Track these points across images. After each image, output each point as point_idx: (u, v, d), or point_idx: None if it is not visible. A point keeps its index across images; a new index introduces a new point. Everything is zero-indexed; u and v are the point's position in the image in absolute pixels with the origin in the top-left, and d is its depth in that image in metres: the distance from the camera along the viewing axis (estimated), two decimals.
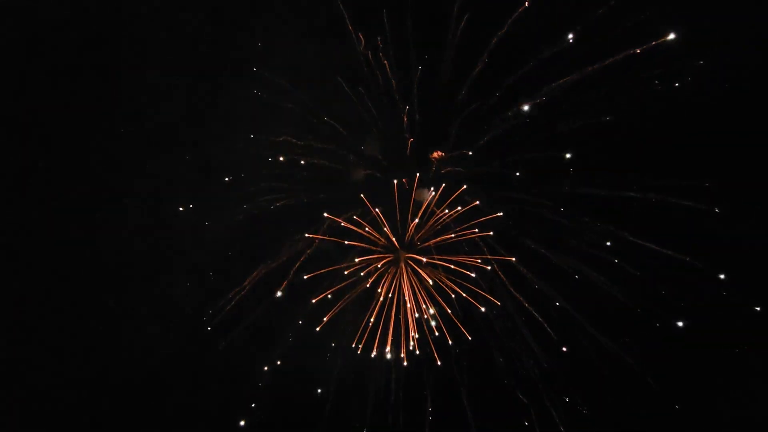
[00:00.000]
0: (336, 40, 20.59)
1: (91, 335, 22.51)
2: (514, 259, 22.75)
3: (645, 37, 16.76)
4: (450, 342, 23.46)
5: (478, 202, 22.00)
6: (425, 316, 23.46)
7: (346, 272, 23.34)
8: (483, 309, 22.79)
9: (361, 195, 22.50)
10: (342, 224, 22.92)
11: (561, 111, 19.20)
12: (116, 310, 22.63)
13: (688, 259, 18.45)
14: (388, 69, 20.90)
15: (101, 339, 22.64)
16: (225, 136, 22.17)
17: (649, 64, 17.28)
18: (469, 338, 23.29)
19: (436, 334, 23.39)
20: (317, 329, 23.80)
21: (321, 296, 23.28)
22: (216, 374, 24.51)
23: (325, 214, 22.56)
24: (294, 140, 21.88)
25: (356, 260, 23.20)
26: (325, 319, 23.68)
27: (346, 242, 23.56)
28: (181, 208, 22.67)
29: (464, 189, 22.22)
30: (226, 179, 22.55)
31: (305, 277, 23.11)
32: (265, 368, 23.83)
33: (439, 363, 23.65)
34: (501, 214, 21.69)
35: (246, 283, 22.90)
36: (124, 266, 22.84)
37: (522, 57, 18.97)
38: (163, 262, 23.13)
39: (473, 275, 22.80)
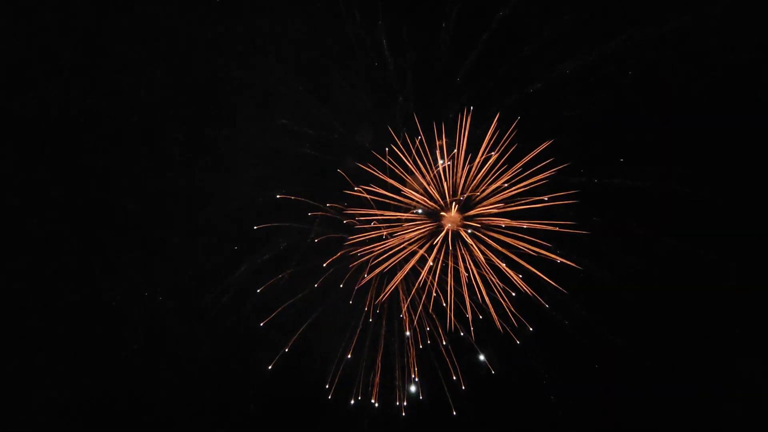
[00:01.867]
0: (329, 22, 19.74)
1: (83, 332, 21.28)
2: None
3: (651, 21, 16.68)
4: (463, 387, 18.43)
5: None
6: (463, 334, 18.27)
7: (323, 263, 17.99)
8: (531, 328, 17.94)
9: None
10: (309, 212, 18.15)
11: (564, 98, 18.53)
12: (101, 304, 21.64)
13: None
14: (386, 47, 19.21)
15: (91, 335, 21.41)
16: (218, 124, 20.91)
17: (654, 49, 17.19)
18: (493, 373, 18.91)
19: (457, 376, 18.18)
20: (269, 367, 18.16)
21: (267, 319, 17.61)
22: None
23: (278, 196, 17.46)
24: (288, 126, 19.97)
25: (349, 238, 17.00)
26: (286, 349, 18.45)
27: (318, 232, 18.32)
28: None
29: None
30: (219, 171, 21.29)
31: (259, 291, 18.42)
32: None
33: (454, 413, 18.63)
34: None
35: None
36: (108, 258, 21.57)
37: (524, 40, 18.30)
38: (150, 254, 21.66)
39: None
